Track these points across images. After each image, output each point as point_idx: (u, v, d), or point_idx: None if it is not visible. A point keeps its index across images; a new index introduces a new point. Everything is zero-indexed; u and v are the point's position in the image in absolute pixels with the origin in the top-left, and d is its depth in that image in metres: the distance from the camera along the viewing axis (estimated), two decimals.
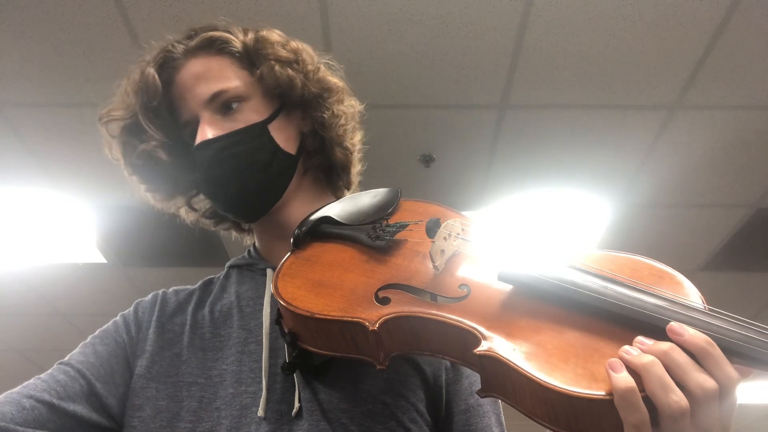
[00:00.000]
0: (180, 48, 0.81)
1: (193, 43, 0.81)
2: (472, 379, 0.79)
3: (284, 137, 0.81)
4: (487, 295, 0.59)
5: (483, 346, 0.52)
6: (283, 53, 0.82)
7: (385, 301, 0.60)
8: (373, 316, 0.58)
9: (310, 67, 0.83)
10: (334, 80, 0.86)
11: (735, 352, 0.52)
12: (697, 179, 2.80)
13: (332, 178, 0.90)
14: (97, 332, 0.80)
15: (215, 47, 0.81)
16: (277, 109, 0.81)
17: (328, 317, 0.59)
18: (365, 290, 0.62)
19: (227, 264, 0.90)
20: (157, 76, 0.79)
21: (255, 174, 0.77)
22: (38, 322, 4.14)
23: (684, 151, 2.64)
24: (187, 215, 0.91)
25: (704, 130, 2.52)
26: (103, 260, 3.41)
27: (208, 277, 0.90)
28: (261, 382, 0.72)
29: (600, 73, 2.26)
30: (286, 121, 0.82)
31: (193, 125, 0.79)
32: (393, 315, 0.57)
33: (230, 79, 0.79)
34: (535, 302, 0.56)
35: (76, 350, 0.78)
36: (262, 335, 0.76)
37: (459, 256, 0.67)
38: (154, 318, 0.81)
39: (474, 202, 2.96)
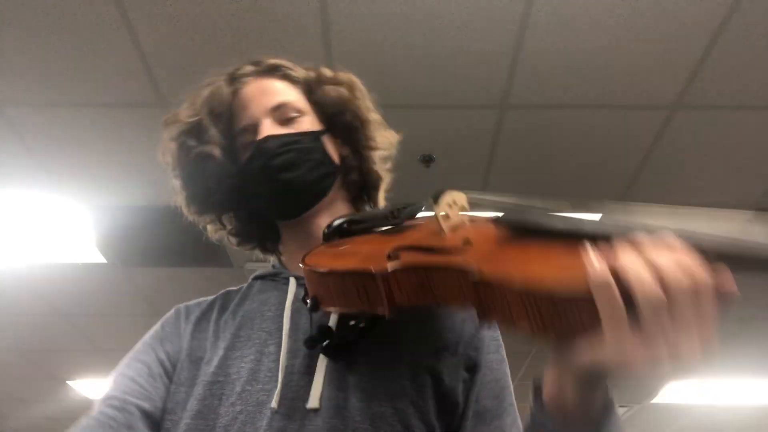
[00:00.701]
0: (248, 69, 0.93)
1: (260, 67, 0.94)
2: (491, 385, 0.81)
3: (331, 149, 0.92)
4: (486, 244, 0.66)
5: (475, 275, 0.58)
6: (341, 79, 0.94)
7: (394, 257, 0.67)
8: (382, 267, 0.65)
9: (359, 97, 0.94)
10: (376, 115, 0.97)
11: (708, 250, 0.50)
12: (697, 179, 2.80)
13: (362, 196, 0.98)
14: (127, 356, 0.85)
15: (280, 72, 0.93)
16: (326, 129, 0.93)
17: (345, 269, 0.68)
18: (379, 252, 0.69)
19: (251, 276, 0.95)
20: (226, 89, 0.89)
21: (308, 170, 0.86)
22: (38, 322, 4.14)
23: (684, 151, 2.64)
24: (214, 232, 0.97)
25: (704, 130, 2.52)
26: (103, 260, 3.41)
27: (228, 288, 0.95)
28: (277, 380, 0.76)
29: (600, 73, 2.27)
30: (333, 141, 0.93)
31: (252, 129, 0.87)
32: (400, 265, 0.64)
33: (291, 95, 0.91)
34: (529, 241, 0.63)
35: (112, 382, 0.81)
36: (281, 337, 0.80)
37: (463, 220, 0.76)
38: (180, 329, 0.87)
39: None
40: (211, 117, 0.87)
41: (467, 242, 0.67)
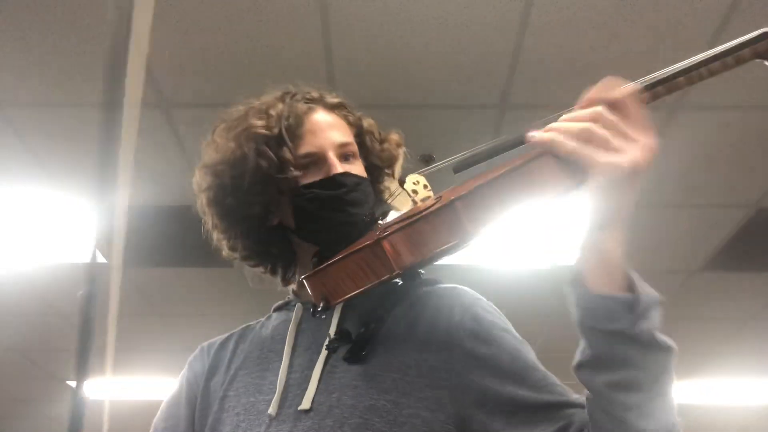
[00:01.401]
0: (315, 95, 0.99)
1: (329, 99, 0.99)
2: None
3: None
4: (451, 190, 0.76)
5: (449, 198, 0.69)
6: (394, 138, 1.03)
7: (383, 232, 0.74)
8: (379, 237, 0.72)
9: (398, 152, 1.03)
10: (401, 162, 1.05)
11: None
12: (697, 179, 2.80)
13: None
14: (165, 401, 0.98)
15: (343, 110, 0.99)
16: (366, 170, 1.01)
17: (344, 255, 0.74)
18: (370, 237, 0.76)
19: (273, 306, 1.04)
20: (302, 106, 0.95)
21: (367, 211, 0.93)
22: (38, 322, 4.14)
23: (684, 151, 2.64)
24: (226, 245, 1.02)
25: (704, 130, 2.52)
26: (103, 260, 3.41)
27: (248, 323, 1.05)
28: (275, 388, 0.85)
29: (600, 73, 2.25)
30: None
31: (318, 158, 0.93)
32: (392, 231, 0.72)
33: (352, 137, 0.97)
34: (478, 175, 0.74)
35: (154, 421, 0.96)
36: (283, 353, 0.89)
37: (429, 195, 0.87)
38: (202, 366, 0.98)
39: None
40: (288, 133, 0.92)
41: (438, 197, 0.77)
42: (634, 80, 0.72)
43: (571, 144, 0.65)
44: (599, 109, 0.66)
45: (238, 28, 2.08)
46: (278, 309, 1.02)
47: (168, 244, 3.22)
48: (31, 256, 3.36)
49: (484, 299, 0.90)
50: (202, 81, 2.29)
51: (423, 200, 0.85)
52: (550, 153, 0.67)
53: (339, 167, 0.92)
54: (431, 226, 0.70)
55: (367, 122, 1.02)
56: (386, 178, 1.03)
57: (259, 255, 1.00)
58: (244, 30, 2.09)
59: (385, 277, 0.73)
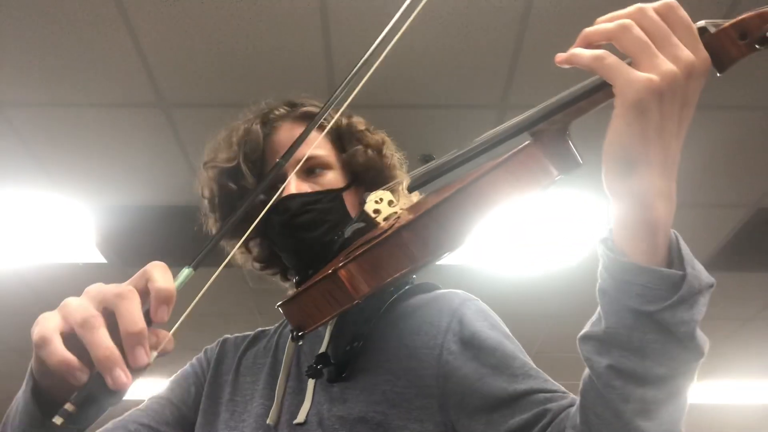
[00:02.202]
0: (281, 111, 0.96)
1: (295, 112, 0.96)
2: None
3: (351, 205, 0.95)
4: (407, 210, 0.74)
5: (397, 226, 0.65)
6: (372, 141, 0.97)
7: (345, 259, 0.73)
8: (336, 266, 0.71)
9: (387, 156, 0.99)
10: (402, 171, 1.01)
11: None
12: (697, 179, 2.80)
13: None
14: (176, 374, 1.00)
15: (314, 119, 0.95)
16: (350, 182, 0.96)
17: (307, 287, 0.73)
18: (333, 264, 0.75)
19: None
20: (260, 132, 0.93)
21: (324, 232, 0.90)
22: None
23: (684, 151, 2.63)
24: (240, 256, 1.04)
25: (704, 130, 2.52)
26: (103, 260, 3.41)
27: (266, 328, 1.07)
28: (274, 399, 0.87)
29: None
30: (354, 193, 0.97)
31: (280, 178, 0.90)
32: (349, 259, 0.70)
33: (321, 148, 0.93)
34: (441, 189, 0.71)
35: (163, 388, 0.97)
36: (282, 365, 0.92)
37: (395, 210, 0.84)
38: (215, 355, 1.01)
39: None
40: (246, 162, 0.92)
41: (396, 218, 0.76)
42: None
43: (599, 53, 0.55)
44: (639, 6, 0.55)
45: (238, 28, 2.08)
46: None
47: (167, 244, 3.22)
48: (31, 256, 3.36)
49: (476, 300, 0.89)
50: (202, 81, 2.29)
51: (386, 219, 0.83)
52: (527, 147, 0.62)
53: (293, 188, 0.89)
54: (385, 253, 0.69)
55: (349, 122, 0.98)
56: (381, 180, 0.98)
57: (269, 260, 1.02)
58: (244, 30, 2.09)
59: (347, 306, 0.72)
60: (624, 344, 0.56)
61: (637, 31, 0.54)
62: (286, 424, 0.84)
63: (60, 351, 0.52)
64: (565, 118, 0.65)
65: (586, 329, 0.60)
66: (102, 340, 0.51)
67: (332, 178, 0.93)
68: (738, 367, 4.84)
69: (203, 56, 2.18)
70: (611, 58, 0.54)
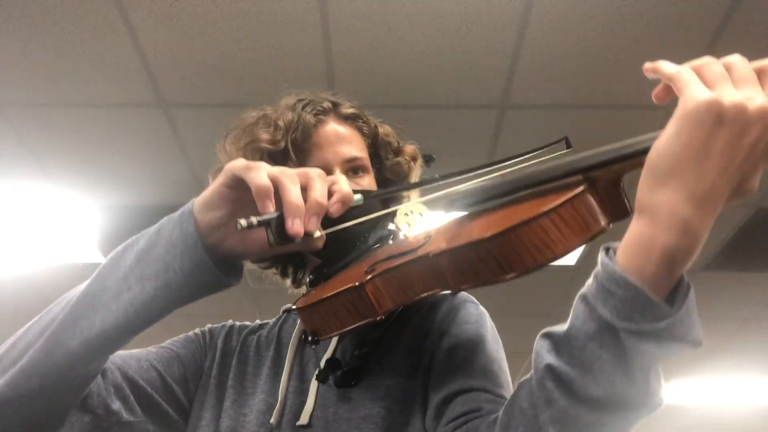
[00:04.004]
0: (328, 105, 0.96)
1: (343, 109, 0.96)
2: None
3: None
4: (443, 232, 0.73)
5: (435, 250, 0.65)
6: (409, 151, 1.02)
7: (371, 271, 0.73)
8: (363, 279, 0.72)
9: (414, 168, 1.03)
10: (418, 174, 1.05)
11: None
12: None
13: None
14: (179, 336, 0.97)
15: (357, 121, 0.97)
16: (379, 187, 1.00)
17: (331, 294, 0.73)
18: (357, 273, 0.76)
19: (282, 308, 1.05)
20: (313, 122, 0.93)
21: (366, 228, 0.89)
22: None
23: None
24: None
25: None
26: (104, 260, 3.41)
27: (264, 320, 1.06)
28: (278, 398, 0.86)
29: (600, 73, 2.26)
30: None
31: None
32: (376, 273, 0.71)
33: (363, 151, 0.96)
34: (479, 216, 0.70)
35: (168, 341, 0.95)
36: (285, 363, 0.91)
37: (422, 221, 0.84)
38: (221, 336, 0.99)
39: None
40: (294, 148, 0.91)
41: (428, 237, 0.74)
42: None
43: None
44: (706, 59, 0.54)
45: (238, 29, 2.08)
46: (288, 311, 1.02)
47: None
48: (31, 256, 3.36)
49: (475, 303, 0.90)
50: (202, 81, 2.29)
51: (415, 234, 0.82)
52: (580, 192, 0.57)
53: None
54: (416, 273, 0.68)
55: (384, 131, 1.00)
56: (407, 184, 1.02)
57: (271, 256, 1.00)
58: (244, 30, 2.09)
59: (369, 320, 0.72)
60: (575, 351, 0.54)
61: (721, 67, 0.53)
62: (288, 424, 0.83)
63: (266, 176, 0.63)
64: (624, 168, 0.61)
65: (550, 328, 0.58)
66: (297, 191, 0.64)
67: (369, 182, 0.95)
68: (738, 367, 4.84)
69: (203, 56, 2.18)
70: (689, 74, 0.53)
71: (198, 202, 0.69)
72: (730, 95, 0.50)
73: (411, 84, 2.32)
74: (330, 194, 0.67)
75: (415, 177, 1.03)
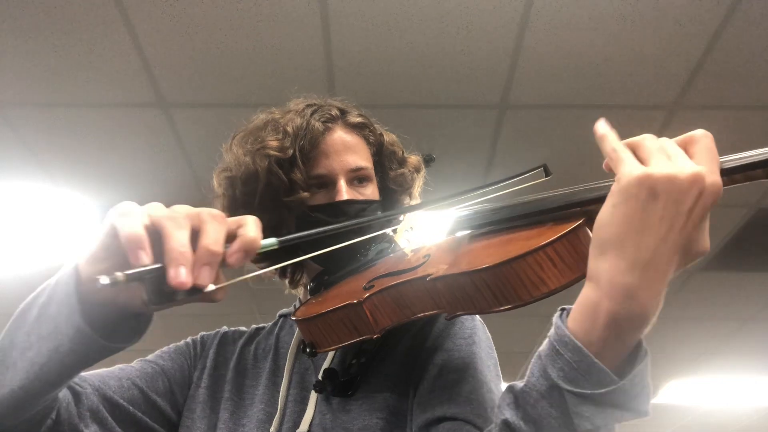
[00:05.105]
0: (335, 113, 0.95)
1: (350, 118, 0.96)
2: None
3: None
4: (443, 252, 0.73)
5: (433, 273, 0.65)
6: (411, 164, 1.02)
7: (369, 287, 0.74)
8: (361, 297, 0.73)
9: (415, 176, 1.03)
10: (420, 185, 1.05)
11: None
12: None
13: None
14: (168, 346, 0.98)
15: (364, 130, 0.97)
16: (382, 197, 0.99)
17: (329, 309, 0.74)
18: (356, 287, 0.77)
19: (278, 313, 1.05)
20: (321, 129, 0.92)
21: (364, 242, 0.89)
22: None
23: None
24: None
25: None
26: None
27: (260, 325, 1.06)
28: (277, 406, 0.87)
29: (600, 73, 2.26)
30: (381, 208, 0.99)
31: (325, 180, 0.92)
32: (375, 291, 0.72)
33: (368, 160, 0.96)
34: (478, 239, 0.70)
35: (154, 354, 0.94)
36: (284, 372, 0.92)
37: (423, 239, 0.84)
38: (213, 346, 1.00)
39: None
40: (301, 155, 0.90)
41: (427, 256, 0.74)
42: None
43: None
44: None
45: (237, 28, 2.08)
46: (284, 316, 1.03)
47: None
48: (31, 256, 3.36)
49: (472, 318, 0.89)
50: (202, 81, 2.29)
51: (414, 250, 0.81)
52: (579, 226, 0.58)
53: (345, 194, 0.90)
54: (412, 293, 0.69)
55: (389, 140, 1.01)
56: (402, 199, 1.02)
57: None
58: (243, 30, 2.09)
59: (366, 337, 0.73)
60: (528, 407, 0.56)
61: (656, 142, 0.56)
62: (287, 429, 0.84)
63: (138, 225, 0.54)
64: None
65: (515, 382, 0.60)
66: (183, 236, 0.53)
67: (373, 191, 0.95)
68: (737, 367, 4.84)
69: (203, 56, 2.18)
70: (624, 151, 0.56)
71: (83, 254, 0.62)
72: (660, 168, 0.52)
73: (411, 84, 2.32)
74: (233, 238, 0.57)
75: (417, 188, 1.04)
